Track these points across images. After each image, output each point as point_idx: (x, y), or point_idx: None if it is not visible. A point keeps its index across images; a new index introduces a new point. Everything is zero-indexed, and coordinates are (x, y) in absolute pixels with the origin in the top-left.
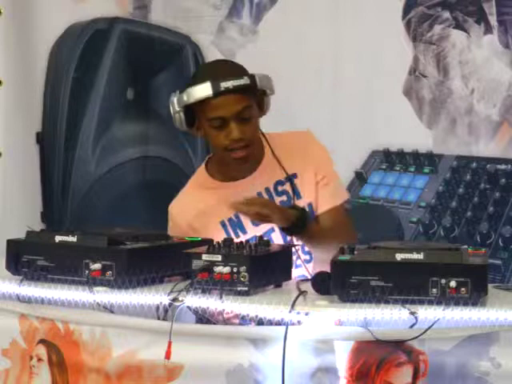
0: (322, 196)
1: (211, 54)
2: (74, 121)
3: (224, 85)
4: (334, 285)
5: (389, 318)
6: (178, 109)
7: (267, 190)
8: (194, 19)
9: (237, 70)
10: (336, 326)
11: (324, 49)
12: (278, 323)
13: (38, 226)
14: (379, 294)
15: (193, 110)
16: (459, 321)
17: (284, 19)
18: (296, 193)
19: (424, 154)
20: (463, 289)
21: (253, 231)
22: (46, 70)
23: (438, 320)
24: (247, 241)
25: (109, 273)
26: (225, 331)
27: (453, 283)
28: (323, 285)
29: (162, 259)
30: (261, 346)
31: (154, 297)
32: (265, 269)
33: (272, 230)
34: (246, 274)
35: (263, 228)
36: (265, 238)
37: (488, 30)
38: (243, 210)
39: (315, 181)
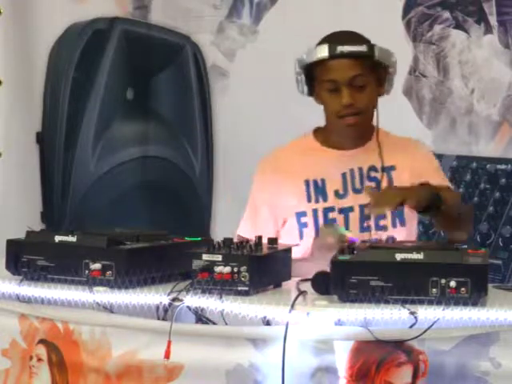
0: (429, 173)
1: (211, 54)
2: (74, 121)
3: (340, 48)
4: (333, 285)
5: (389, 318)
6: (298, 70)
7: (360, 169)
8: (194, 19)
9: (358, 38)
10: (336, 326)
11: None
12: (278, 323)
13: (38, 226)
14: (379, 294)
15: (312, 73)
16: (459, 321)
17: (284, 19)
18: (390, 184)
19: None
20: (463, 289)
21: (333, 202)
22: (45, 70)
23: (438, 320)
24: (247, 241)
25: (109, 273)
26: (225, 331)
27: (453, 283)
28: (323, 285)
29: (162, 259)
30: (261, 346)
31: (154, 297)
32: (265, 269)
33: (351, 209)
34: (246, 273)
35: (344, 202)
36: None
37: (488, 29)
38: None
39: (409, 179)
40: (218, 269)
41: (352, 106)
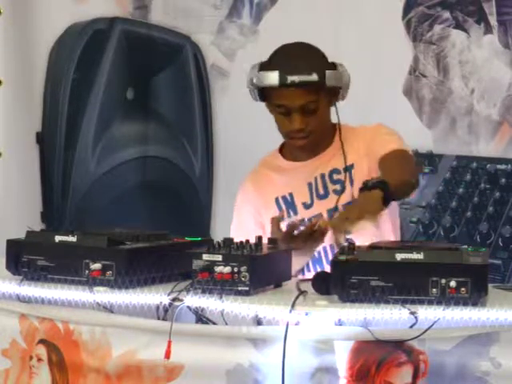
0: (377, 144)
1: (211, 54)
2: (74, 121)
3: (290, 78)
4: (334, 285)
5: (389, 318)
6: (250, 86)
7: (322, 176)
8: (194, 19)
9: (309, 63)
10: (336, 326)
11: (324, 49)
12: (278, 323)
13: (38, 225)
14: (379, 294)
15: (263, 92)
16: (459, 321)
17: (284, 19)
18: (352, 183)
19: (424, 153)
20: (463, 289)
21: (302, 214)
22: (45, 70)
23: (438, 320)
24: (247, 241)
25: (109, 273)
26: (225, 331)
27: (453, 283)
28: (323, 285)
29: (162, 259)
30: (261, 346)
31: (154, 297)
32: (265, 269)
33: (319, 216)
34: (246, 273)
35: (312, 212)
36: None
37: (488, 30)
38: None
39: (368, 165)
40: (218, 269)
41: (302, 130)
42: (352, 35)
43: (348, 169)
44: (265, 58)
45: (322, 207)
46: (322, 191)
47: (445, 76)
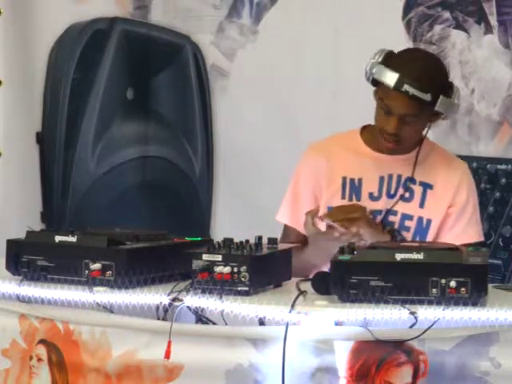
0: (451, 230)
1: (211, 54)
2: (74, 121)
3: (406, 87)
4: (333, 285)
5: (389, 318)
6: (369, 70)
7: (399, 177)
8: (193, 19)
9: (430, 81)
10: (336, 326)
11: (324, 49)
12: (278, 323)
13: (38, 226)
14: (379, 294)
15: (377, 81)
16: (459, 321)
17: (284, 19)
18: (422, 201)
19: None
20: (463, 289)
21: (366, 203)
22: (45, 70)
23: (438, 320)
24: (247, 240)
25: (109, 273)
26: (225, 331)
27: (453, 283)
28: (323, 285)
29: (162, 259)
30: (261, 346)
31: (154, 297)
32: (265, 269)
33: (379, 213)
34: (246, 273)
35: (376, 205)
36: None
37: (488, 29)
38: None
39: (447, 207)
40: (217, 269)
41: (395, 135)
42: (352, 35)
43: (424, 185)
44: (265, 57)
45: (385, 205)
46: (392, 191)
47: None
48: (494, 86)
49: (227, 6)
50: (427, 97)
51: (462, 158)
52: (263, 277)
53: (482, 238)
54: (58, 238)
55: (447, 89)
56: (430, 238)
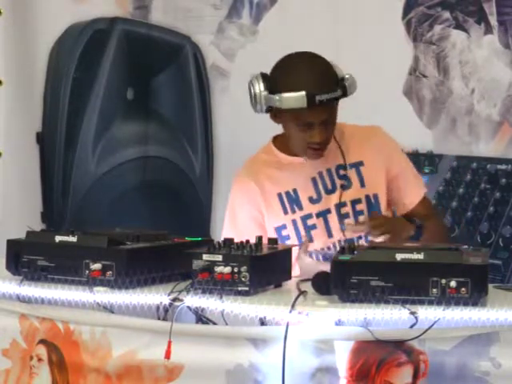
0: (407, 189)
1: (211, 54)
2: (74, 121)
3: (319, 98)
4: (334, 285)
5: (389, 318)
6: (262, 102)
7: (328, 170)
8: (193, 19)
9: (330, 79)
10: (336, 326)
11: (324, 49)
12: (279, 323)
13: (38, 226)
14: (379, 294)
15: (279, 110)
16: (459, 321)
17: (284, 19)
18: (361, 180)
19: (424, 153)
20: (463, 289)
21: (309, 209)
22: (46, 70)
23: (439, 320)
24: (247, 241)
25: (109, 273)
26: (225, 331)
27: (453, 283)
28: (323, 285)
29: (162, 259)
30: (261, 346)
31: (154, 297)
32: (265, 269)
33: (328, 211)
34: (246, 273)
35: (320, 207)
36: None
37: (488, 30)
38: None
39: (386, 175)
40: (218, 269)
41: (322, 142)
42: (352, 35)
43: (355, 165)
44: (265, 57)
45: (330, 202)
46: (330, 186)
47: (445, 76)
48: (493, 86)
49: (227, 6)
50: (338, 93)
51: (462, 158)
52: (263, 277)
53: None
54: (58, 238)
55: (338, 72)
56: (383, 210)
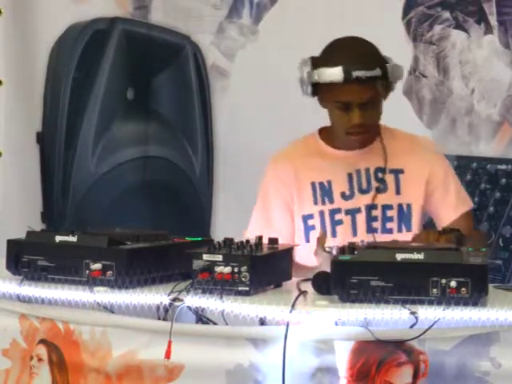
0: (445, 204)
1: (211, 54)
2: (74, 121)
3: (355, 73)
4: (334, 285)
5: (389, 318)
6: (306, 81)
7: (367, 170)
8: (194, 19)
9: (370, 58)
10: (336, 326)
11: None
12: (279, 323)
13: (38, 226)
14: (379, 294)
15: (321, 87)
16: (459, 321)
17: (284, 19)
18: (397, 187)
19: None
20: (463, 289)
21: (339, 204)
22: (46, 70)
23: (439, 320)
24: (247, 240)
25: (109, 273)
26: (225, 331)
27: (453, 283)
28: (324, 285)
29: (162, 259)
30: (261, 346)
31: (154, 297)
32: (265, 269)
33: (358, 210)
34: (246, 273)
35: (351, 204)
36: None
37: (488, 30)
38: None
39: (425, 187)
40: (218, 269)
41: (362, 125)
42: (352, 35)
43: (394, 172)
44: (265, 57)
45: (361, 201)
46: (365, 185)
47: (445, 76)
48: (493, 86)
49: (227, 6)
50: (377, 72)
51: (462, 158)
52: (263, 277)
53: (472, 204)
54: (58, 238)
55: (384, 58)
56: (415, 221)
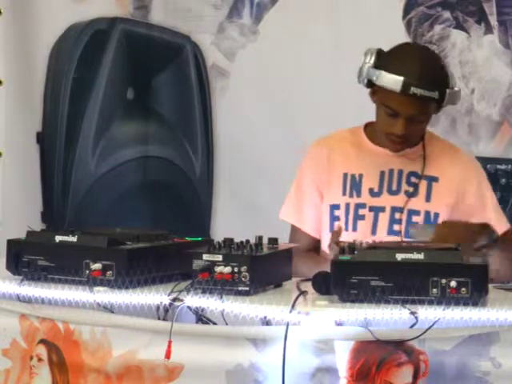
0: (492, 218)
1: (211, 54)
2: (74, 121)
3: (413, 90)
4: (334, 285)
5: (389, 318)
6: (364, 74)
7: (400, 171)
8: (194, 19)
9: (432, 78)
10: (336, 326)
11: (324, 49)
12: (279, 323)
13: (38, 226)
14: (379, 294)
15: (377, 86)
16: (460, 321)
17: (284, 19)
18: (428, 195)
19: None
20: (463, 289)
21: (366, 199)
22: (46, 70)
23: (439, 320)
24: (247, 240)
25: (109, 273)
26: (225, 331)
27: (453, 283)
28: (323, 285)
29: (162, 259)
30: (261, 346)
31: (154, 297)
32: (265, 269)
33: (382, 209)
34: (246, 273)
35: (377, 201)
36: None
37: (488, 29)
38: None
39: (456, 199)
40: (218, 269)
41: (403, 136)
42: (352, 35)
43: (428, 179)
44: (265, 58)
45: (388, 202)
46: (394, 187)
47: None
48: (493, 86)
49: (227, 6)
50: (435, 95)
51: None
52: (263, 277)
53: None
54: (58, 238)
55: (448, 80)
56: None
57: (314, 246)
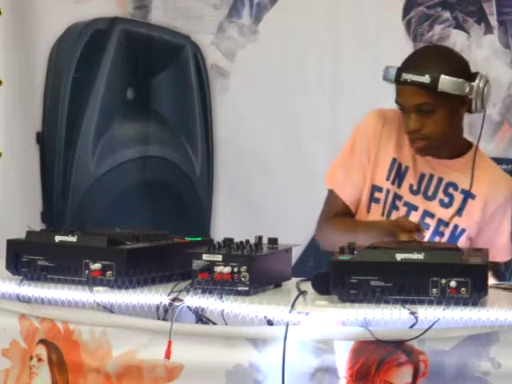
0: (497, 244)
1: (211, 54)
2: (74, 121)
3: (404, 76)
4: (334, 285)
5: (389, 318)
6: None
7: (440, 179)
8: (194, 19)
9: (428, 64)
10: (336, 326)
11: (324, 49)
12: (278, 323)
13: (38, 226)
14: (379, 294)
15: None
16: (459, 321)
17: (284, 19)
18: (460, 209)
19: None
20: (463, 289)
21: (404, 192)
22: (46, 70)
23: (438, 320)
24: (247, 240)
25: (109, 273)
26: (225, 331)
27: (453, 283)
28: (323, 285)
29: (162, 259)
30: (261, 346)
31: (154, 297)
32: (265, 269)
33: (416, 208)
34: (246, 273)
35: (412, 199)
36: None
37: (488, 29)
38: None
39: (484, 220)
40: (218, 269)
41: (418, 131)
42: (352, 35)
43: (466, 194)
44: (265, 57)
45: (422, 204)
46: (430, 193)
47: None
48: (494, 86)
49: (227, 6)
50: (425, 78)
51: None
52: (263, 277)
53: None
54: (58, 238)
55: (455, 71)
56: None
57: (346, 214)
